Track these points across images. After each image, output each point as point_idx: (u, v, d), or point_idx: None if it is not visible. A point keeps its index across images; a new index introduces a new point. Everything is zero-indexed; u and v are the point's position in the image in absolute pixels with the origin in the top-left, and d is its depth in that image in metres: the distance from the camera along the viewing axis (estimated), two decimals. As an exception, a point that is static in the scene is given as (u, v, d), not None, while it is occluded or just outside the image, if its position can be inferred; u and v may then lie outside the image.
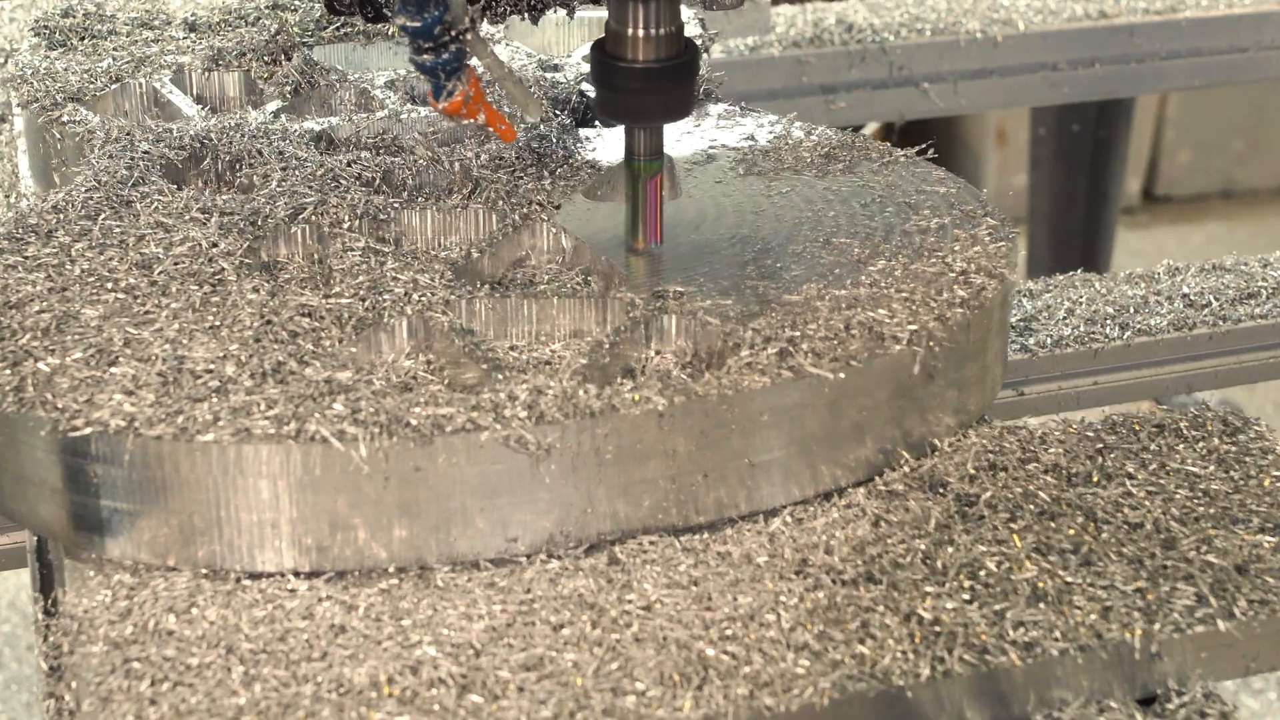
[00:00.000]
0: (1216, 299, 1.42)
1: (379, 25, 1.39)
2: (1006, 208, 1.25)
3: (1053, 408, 1.39)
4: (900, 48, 1.90)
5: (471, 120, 1.05)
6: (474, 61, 1.04)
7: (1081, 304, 1.42)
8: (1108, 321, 1.39)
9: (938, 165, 1.26)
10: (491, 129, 1.10)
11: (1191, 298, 1.43)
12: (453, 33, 1.00)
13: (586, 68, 1.41)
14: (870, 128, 2.92)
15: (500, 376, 0.99)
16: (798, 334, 1.01)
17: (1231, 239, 4.28)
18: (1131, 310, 1.41)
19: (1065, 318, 1.40)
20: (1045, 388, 1.38)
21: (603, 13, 1.33)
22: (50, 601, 0.97)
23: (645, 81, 1.05)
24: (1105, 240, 3.14)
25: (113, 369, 0.97)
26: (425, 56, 1.01)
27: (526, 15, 1.15)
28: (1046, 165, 3.11)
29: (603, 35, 1.07)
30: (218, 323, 1.02)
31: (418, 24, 0.98)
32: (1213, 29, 1.99)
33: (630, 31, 1.04)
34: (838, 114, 1.91)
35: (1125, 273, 1.48)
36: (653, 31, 1.04)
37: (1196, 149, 4.45)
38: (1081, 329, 1.38)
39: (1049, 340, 1.37)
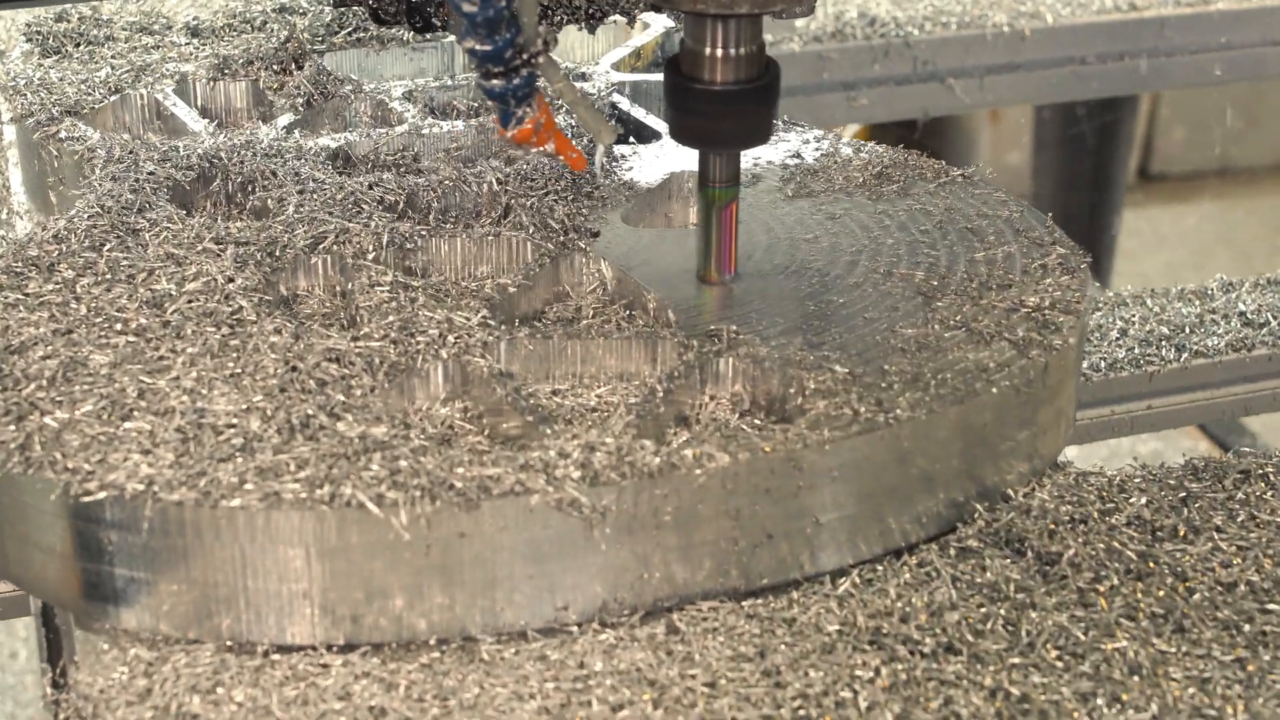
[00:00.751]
0: (1275, 317, 1.36)
1: (427, 36, 1.30)
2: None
3: (1104, 433, 1.32)
4: (925, 42, 1.82)
5: (541, 149, 0.97)
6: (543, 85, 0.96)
7: (1134, 324, 1.35)
8: (1162, 343, 1.32)
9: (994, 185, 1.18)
10: (562, 158, 1.02)
11: (1249, 316, 1.36)
12: (524, 56, 0.92)
13: (616, 76, 1.33)
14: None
15: (549, 431, 0.91)
16: (868, 380, 0.94)
17: (1227, 218, 4.23)
18: (1187, 330, 1.34)
19: (1119, 339, 1.33)
20: (1097, 413, 1.31)
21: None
22: (59, 672, 0.90)
23: (723, 105, 0.97)
24: (1109, 224, 3.08)
25: (127, 424, 0.89)
26: (495, 81, 0.93)
27: (584, 24, 1.07)
28: (1050, 149, 3.05)
29: (676, 52, 0.99)
30: (239, 370, 0.94)
31: (488, 47, 0.90)
32: (1246, 21, 1.91)
33: (708, 51, 0.96)
34: (859, 111, 1.84)
35: (1178, 288, 1.41)
36: (732, 51, 0.95)
37: (1192, 127, 4.39)
38: (1136, 350, 1.31)
39: (1102, 364, 1.30)
